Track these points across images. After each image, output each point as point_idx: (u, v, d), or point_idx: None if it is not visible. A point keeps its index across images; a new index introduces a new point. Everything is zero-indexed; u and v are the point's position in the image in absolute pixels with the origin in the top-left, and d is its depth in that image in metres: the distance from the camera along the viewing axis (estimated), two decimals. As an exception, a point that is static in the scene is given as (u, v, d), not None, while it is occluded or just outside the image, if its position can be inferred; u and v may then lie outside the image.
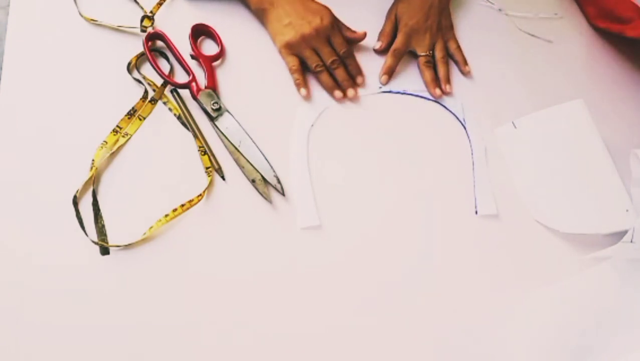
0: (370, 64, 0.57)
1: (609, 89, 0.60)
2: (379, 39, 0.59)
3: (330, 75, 0.54)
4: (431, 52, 0.57)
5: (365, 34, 0.56)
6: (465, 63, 0.58)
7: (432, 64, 0.57)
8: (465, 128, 0.55)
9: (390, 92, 0.56)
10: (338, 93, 0.54)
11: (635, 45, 0.63)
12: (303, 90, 0.53)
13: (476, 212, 0.51)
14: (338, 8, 0.56)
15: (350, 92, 0.54)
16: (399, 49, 0.57)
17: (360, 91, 0.56)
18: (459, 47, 0.59)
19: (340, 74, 0.54)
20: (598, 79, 0.61)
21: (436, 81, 0.57)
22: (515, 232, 0.51)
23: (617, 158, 0.52)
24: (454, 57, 0.58)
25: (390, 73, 0.57)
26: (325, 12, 0.54)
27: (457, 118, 0.56)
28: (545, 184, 0.53)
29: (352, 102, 0.55)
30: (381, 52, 0.58)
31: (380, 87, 0.56)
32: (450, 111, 0.56)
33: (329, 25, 0.54)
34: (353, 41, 0.56)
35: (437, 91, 0.56)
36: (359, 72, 0.56)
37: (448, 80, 0.57)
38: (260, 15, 0.56)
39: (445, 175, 0.53)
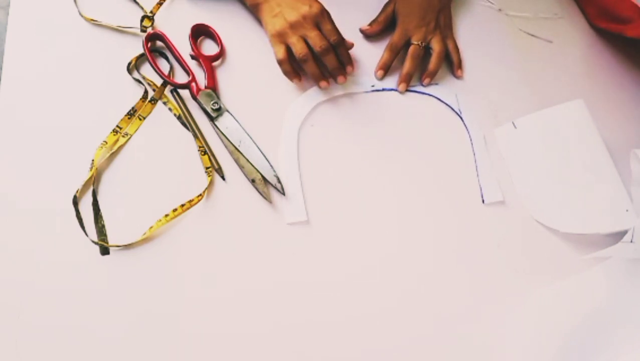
0: (363, 62, 0.57)
1: (609, 89, 0.60)
2: (369, 24, 0.58)
3: (316, 64, 0.53)
4: (424, 44, 0.56)
5: (352, 44, 0.55)
6: (460, 66, 0.58)
7: (418, 57, 0.56)
8: (462, 118, 0.55)
9: (383, 89, 0.56)
10: (324, 83, 0.53)
11: (635, 45, 0.63)
12: (295, 80, 0.53)
13: (483, 201, 0.51)
14: (334, 8, 0.56)
15: (340, 78, 0.54)
16: (395, 43, 0.56)
17: (353, 89, 0.55)
18: (456, 48, 0.59)
19: (330, 60, 0.52)
20: (598, 79, 0.61)
21: (410, 76, 0.56)
22: (514, 232, 0.51)
23: (617, 158, 0.52)
24: (450, 58, 0.58)
25: (386, 68, 0.56)
26: (314, 1, 0.53)
27: (453, 109, 0.56)
28: (545, 184, 0.52)
29: (345, 99, 0.55)
30: (366, 36, 0.58)
31: (372, 86, 0.56)
32: (445, 103, 0.56)
33: (318, 12, 0.52)
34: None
35: (402, 86, 0.56)
36: (350, 60, 0.54)
37: (431, 75, 0.56)
38: (255, 10, 0.55)
39: (446, 167, 0.53)
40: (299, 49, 0.52)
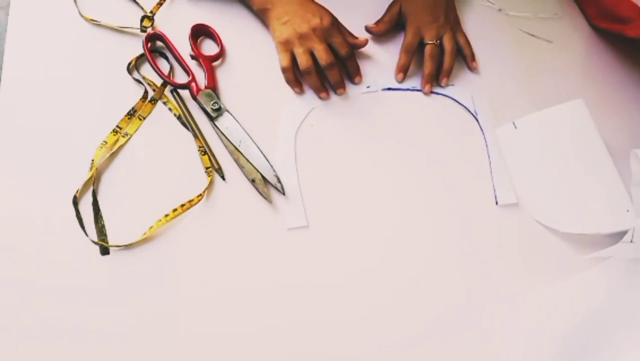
0: (377, 59, 0.57)
1: (609, 89, 0.60)
2: (374, 23, 0.58)
3: (318, 77, 0.53)
4: (438, 41, 0.56)
5: (367, 41, 0.56)
6: (473, 59, 0.58)
7: (437, 55, 0.56)
8: (477, 119, 0.55)
9: (398, 89, 0.56)
10: (324, 94, 0.54)
11: (635, 45, 0.63)
12: (296, 89, 0.54)
13: (496, 203, 0.51)
14: (338, 9, 0.56)
15: (340, 91, 0.54)
16: (410, 43, 0.56)
17: (362, 89, 0.55)
18: (467, 41, 0.58)
19: (334, 75, 0.53)
20: (598, 79, 0.61)
21: (433, 77, 0.56)
22: (515, 233, 0.51)
23: (617, 158, 0.52)
24: (463, 52, 0.58)
25: (405, 71, 0.56)
26: (325, 13, 0.54)
27: (468, 110, 0.56)
28: (545, 184, 0.52)
29: (345, 99, 0.55)
30: (371, 35, 0.57)
31: (368, 87, 0.56)
32: (460, 103, 0.56)
33: (329, 26, 0.53)
34: (355, 47, 0.56)
35: (428, 87, 0.55)
36: (358, 72, 0.55)
37: (448, 74, 0.56)
38: (262, 15, 0.56)
39: (446, 169, 0.52)
40: (303, 61, 0.52)
